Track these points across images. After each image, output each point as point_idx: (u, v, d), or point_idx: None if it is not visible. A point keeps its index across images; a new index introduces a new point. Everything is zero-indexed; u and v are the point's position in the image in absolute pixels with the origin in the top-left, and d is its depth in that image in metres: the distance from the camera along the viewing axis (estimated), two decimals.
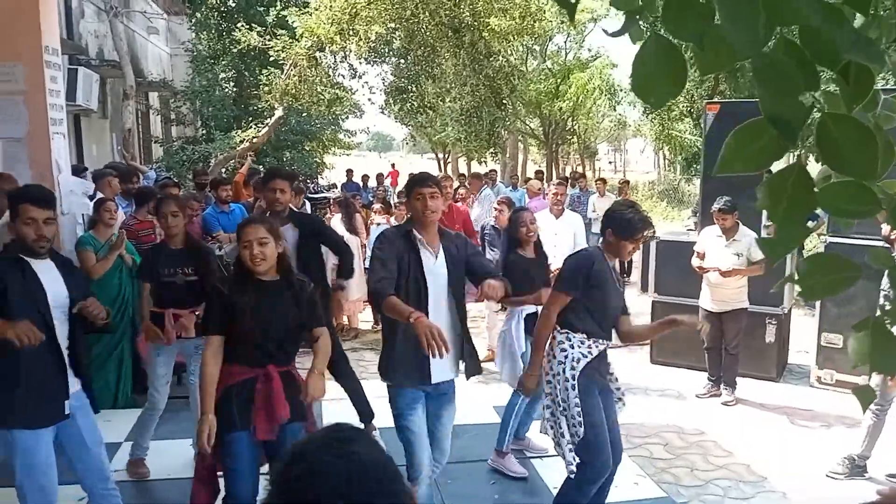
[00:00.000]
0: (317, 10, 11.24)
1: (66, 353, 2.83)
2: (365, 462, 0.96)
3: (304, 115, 14.39)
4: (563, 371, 3.07)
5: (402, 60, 15.37)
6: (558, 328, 3.19)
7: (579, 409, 3.02)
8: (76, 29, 10.65)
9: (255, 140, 11.73)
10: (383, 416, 3.23)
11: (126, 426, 4.38)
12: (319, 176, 19.17)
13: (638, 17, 1.07)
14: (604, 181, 11.40)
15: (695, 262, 5.46)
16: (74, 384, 2.87)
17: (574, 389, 3.03)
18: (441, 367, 2.98)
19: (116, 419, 4.55)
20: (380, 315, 3.71)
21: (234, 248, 2.89)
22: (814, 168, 1.10)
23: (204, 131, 13.88)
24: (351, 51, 11.83)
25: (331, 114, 16.01)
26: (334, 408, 4.70)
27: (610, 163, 47.78)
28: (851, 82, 0.95)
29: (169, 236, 3.91)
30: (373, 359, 5.43)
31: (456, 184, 10.13)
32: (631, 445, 4.41)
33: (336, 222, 7.01)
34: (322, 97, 13.13)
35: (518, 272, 4.01)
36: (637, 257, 7.42)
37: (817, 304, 5.70)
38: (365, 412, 4.36)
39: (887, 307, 4.20)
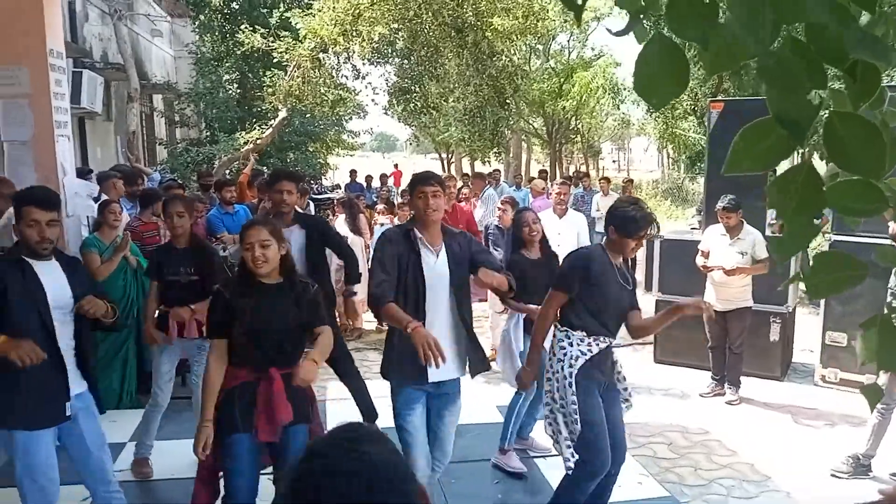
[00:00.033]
0: (320, 11, 11.23)
1: (72, 353, 2.83)
2: (376, 462, 0.96)
3: (308, 116, 14.41)
4: (562, 369, 3.07)
5: (406, 61, 15.39)
6: (558, 326, 3.19)
7: (576, 406, 3.01)
8: (80, 32, 10.70)
9: (259, 141, 11.74)
10: (387, 416, 3.22)
11: (131, 427, 4.40)
12: (323, 177, 19.20)
13: (642, 16, 1.07)
14: (607, 180, 11.36)
15: (699, 260, 5.45)
16: (79, 385, 2.87)
17: (571, 387, 3.03)
18: (442, 366, 2.97)
19: (121, 420, 4.56)
20: None
21: (238, 250, 2.89)
22: (818, 166, 1.10)
23: (208, 133, 13.91)
24: (354, 52, 11.82)
25: (334, 115, 16.05)
26: (338, 408, 4.71)
27: (613, 162, 47.79)
28: (858, 80, 0.95)
29: (174, 236, 3.95)
30: (376, 359, 5.43)
31: (459, 184, 10.11)
32: (635, 445, 4.40)
33: (340, 223, 7.01)
34: (325, 98, 13.15)
35: (519, 273, 4.01)
36: (641, 256, 7.39)
37: (821, 302, 5.69)
38: (368, 412, 4.36)
39: (895, 305, 4.21)
